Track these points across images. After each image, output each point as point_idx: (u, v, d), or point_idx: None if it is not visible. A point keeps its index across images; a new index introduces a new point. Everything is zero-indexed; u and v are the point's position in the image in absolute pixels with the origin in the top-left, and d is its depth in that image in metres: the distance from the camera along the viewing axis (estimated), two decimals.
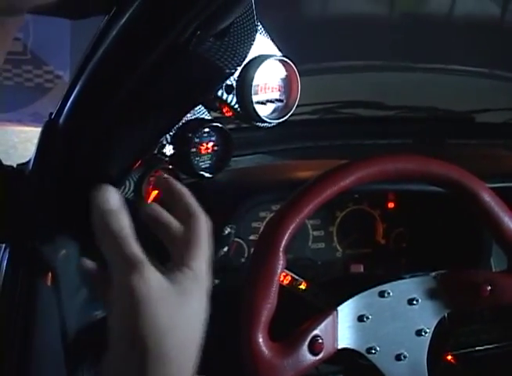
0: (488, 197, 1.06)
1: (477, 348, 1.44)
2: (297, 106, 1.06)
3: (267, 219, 1.30)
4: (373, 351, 1.05)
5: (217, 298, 1.19)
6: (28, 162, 1.19)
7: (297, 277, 1.06)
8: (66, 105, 0.99)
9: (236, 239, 1.30)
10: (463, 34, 2.26)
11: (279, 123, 1.01)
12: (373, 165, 1.04)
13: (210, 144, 1.14)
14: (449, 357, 1.40)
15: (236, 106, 0.95)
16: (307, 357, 0.98)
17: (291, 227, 0.98)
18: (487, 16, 2.38)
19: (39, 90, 3.59)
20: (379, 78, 2.11)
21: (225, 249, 1.18)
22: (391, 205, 1.45)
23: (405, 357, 1.06)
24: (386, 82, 2.09)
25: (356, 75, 2.16)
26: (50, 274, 1.17)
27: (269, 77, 0.95)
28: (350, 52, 2.16)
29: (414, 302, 1.07)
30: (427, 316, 1.08)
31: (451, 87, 2.11)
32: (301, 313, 1.03)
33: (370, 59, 2.14)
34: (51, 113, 1.06)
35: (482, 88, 2.15)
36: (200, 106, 1.08)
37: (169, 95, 0.81)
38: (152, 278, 0.62)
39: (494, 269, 1.35)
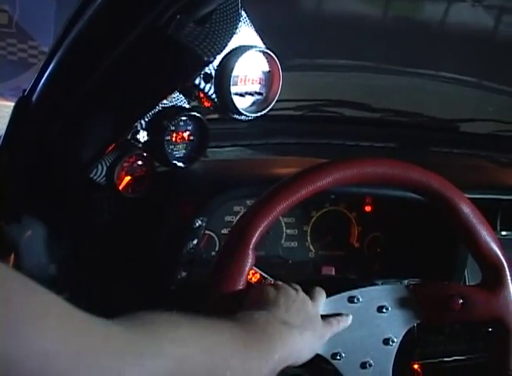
0: (466, 209, 1.04)
1: (444, 358, 1.42)
2: (281, 101, 1.04)
3: (240, 214, 1.27)
4: (338, 357, 1.02)
5: (184, 290, 1.18)
6: None
7: (265, 276, 1.04)
8: (40, 82, 0.96)
9: (208, 232, 1.27)
10: (455, 43, 2.25)
11: (257, 117, 0.99)
12: (353, 168, 1.01)
13: (186, 133, 1.12)
14: (416, 366, 1.38)
15: (214, 96, 0.92)
16: None
17: (263, 224, 0.96)
18: (480, 26, 2.36)
19: (22, 65, 3.55)
20: (366, 79, 2.09)
21: (195, 241, 1.15)
22: (368, 209, 1.43)
23: (370, 365, 1.03)
24: (373, 84, 2.07)
25: (343, 75, 2.14)
26: (13, 255, 1.14)
27: (250, 68, 0.92)
28: (339, 51, 2.14)
29: (384, 310, 1.05)
30: (396, 326, 1.06)
31: (438, 94, 2.10)
32: None
33: (358, 60, 2.12)
34: (24, 90, 1.03)
35: (469, 98, 2.13)
36: (179, 94, 1.05)
37: (145, 78, 0.78)
38: None
39: (468, 282, 1.33)
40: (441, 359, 1.41)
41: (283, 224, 1.37)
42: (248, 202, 1.29)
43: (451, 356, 1.42)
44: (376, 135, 1.68)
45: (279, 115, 1.61)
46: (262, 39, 0.91)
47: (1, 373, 0.47)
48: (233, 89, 0.91)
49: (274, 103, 0.96)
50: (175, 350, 0.65)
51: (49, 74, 0.90)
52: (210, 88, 0.91)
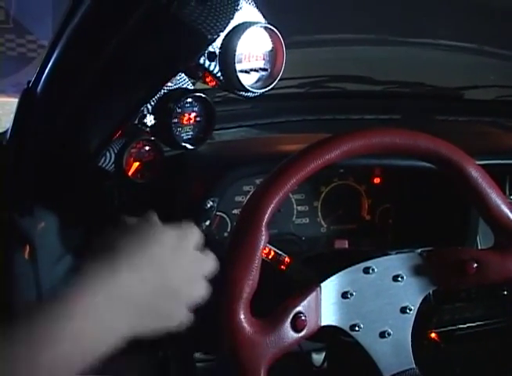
0: (476, 173, 1.04)
1: (460, 326, 1.43)
2: (283, 79, 1.04)
3: (250, 193, 1.27)
4: (357, 328, 1.03)
5: None
6: (6, 132, 1.16)
7: (280, 252, 1.04)
8: (43, 72, 0.96)
9: (219, 213, 1.28)
10: (453, 9, 2.23)
11: (263, 94, 0.99)
12: (359, 139, 1.00)
13: (193, 115, 1.12)
14: (433, 335, 1.39)
15: (219, 74, 0.93)
16: (289, 334, 0.96)
17: (274, 201, 0.95)
18: None
19: (22, 60, 3.55)
20: (366, 53, 2.08)
21: (207, 223, 1.16)
22: (376, 180, 1.43)
23: (389, 334, 1.04)
24: (373, 57, 2.07)
25: (343, 49, 2.13)
26: (28, 247, 1.15)
27: (254, 45, 0.92)
28: (337, 26, 2.13)
29: (399, 279, 1.05)
30: (412, 294, 1.06)
31: (439, 63, 2.09)
32: (284, 289, 1.01)
33: (357, 33, 2.11)
34: (28, 82, 1.03)
35: (471, 65, 2.12)
36: (183, 75, 1.05)
37: (149, 61, 0.79)
38: None
39: (481, 247, 1.34)
40: (458, 326, 1.42)
41: (294, 201, 1.38)
42: (257, 181, 1.29)
43: (468, 323, 1.43)
44: (380, 108, 1.67)
45: (283, 93, 1.61)
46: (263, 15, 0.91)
47: None
48: (238, 66, 0.91)
49: (279, 78, 0.96)
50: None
51: (53, 62, 0.90)
52: (215, 66, 0.91)
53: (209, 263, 0.90)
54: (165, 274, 0.80)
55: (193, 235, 0.90)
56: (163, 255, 0.81)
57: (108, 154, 1.11)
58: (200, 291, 0.87)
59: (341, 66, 1.94)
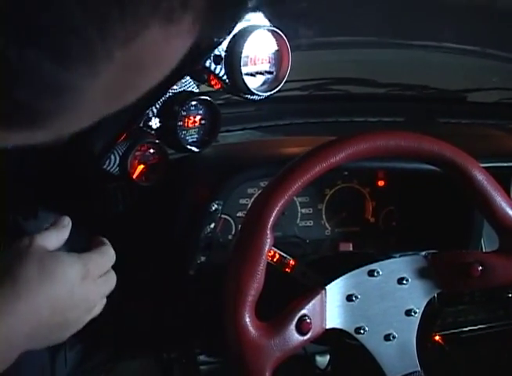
0: (480, 176, 1.04)
1: (464, 329, 1.43)
2: (288, 82, 1.04)
3: (255, 196, 1.27)
4: (362, 331, 1.03)
5: (203, 275, 1.18)
6: None
7: (285, 255, 1.04)
8: None
9: (224, 215, 1.28)
10: (455, 12, 2.23)
11: (268, 97, 0.99)
12: (364, 141, 1.01)
13: (198, 117, 1.12)
14: (437, 338, 1.39)
15: (225, 77, 0.92)
16: (294, 337, 0.96)
17: (279, 204, 0.95)
18: None
19: None
20: (369, 55, 2.08)
21: (212, 225, 1.16)
22: (380, 183, 1.43)
23: (394, 337, 1.04)
24: (376, 60, 2.06)
25: (346, 51, 2.13)
26: None
27: (259, 48, 0.92)
28: (340, 28, 2.12)
29: (404, 282, 1.05)
30: (417, 296, 1.06)
31: (442, 65, 2.09)
32: (289, 292, 1.01)
33: (360, 36, 2.11)
34: None
35: (474, 67, 2.12)
36: (188, 78, 1.05)
37: None
38: None
39: (485, 250, 1.34)
40: (462, 329, 1.42)
41: (298, 204, 1.38)
42: (262, 184, 1.29)
43: (472, 326, 1.43)
44: (383, 110, 1.67)
45: (286, 96, 1.61)
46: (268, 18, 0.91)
47: None
48: (244, 69, 0.91)
49: (284, 81, 0.96)
50: None
51: None
52: (220, 69, 0.91)
53: (110, 285, 0.88)
54: (62, 311, 0.79)
55: (100, 260, 0.87)
56: (63, 293, 0.78)
57: (113, 157, 1.11)
58: (97, 311, 0.87)
59: (345, 69, 1.94)
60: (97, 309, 0.86)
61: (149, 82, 0.35)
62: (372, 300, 1.04)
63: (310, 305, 0.98)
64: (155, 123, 1.06)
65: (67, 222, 0.90)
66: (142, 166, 1.15)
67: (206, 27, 0.33)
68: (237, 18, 0.37)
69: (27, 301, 0.73)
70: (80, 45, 0.29)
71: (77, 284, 0.80)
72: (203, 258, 1.17)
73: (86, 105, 0.32)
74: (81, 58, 0.29)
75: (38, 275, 0.76)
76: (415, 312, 1.05)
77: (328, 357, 1.42)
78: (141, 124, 1.07)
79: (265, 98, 0.99)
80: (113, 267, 1.10)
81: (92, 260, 0.85)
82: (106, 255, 0.89)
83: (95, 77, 0.30)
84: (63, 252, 0.83)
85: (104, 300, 0.87)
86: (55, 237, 0.86)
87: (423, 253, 1.08)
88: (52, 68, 0.29)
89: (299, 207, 1.38)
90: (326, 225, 1.41)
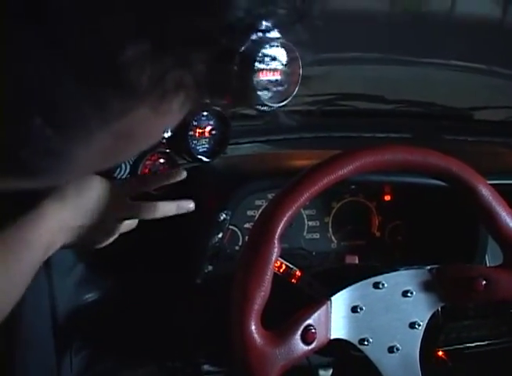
0: (486, 192, 1.05)
1: (467, 344, 1.43)
2: (296, 96, 1.04)
3: (262, 208, 1.28)
4: (366, 342, 1.03)
5: (209, 284, 1.19)
6: None
7: (291, 266, 1.05)
8: None
9: (231, 227, 1.29)
10: (463, 31, 2.25)
11: (277, 108, 0.99)
12: (372, 155, 1.02)
13: (208, 128, 1.13)
14: (440, 353, 1.39)
15: (235, 88, 0.93)
16: (299, 346, 0.97)
17: (287, 215, 0.96)
18: (487, 14, 2.37)
19: None
20: (377, 72, 2.10)
21: (220, 235, 1.17)
22: (387, 198, 1.44)
23: (397, 349, 1.04)
24: (384, 76, 2.08)
25: (354, 67, 2.14)
26: None
27: (271, 60, 0.92)
28: (349, 44, 2.14)
29: (408, 294, 1.06)
30: (421, 309, 1.07)
31: (449, 83, 2.10)
32: (295, 302, 1.02)
33: (369, 52, 2.13)
34: None
35: (481, 85, 2.14)
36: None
37: None
38: None
39: (489, 265, 1.34)
40: (465, 345, 1.42)
41: (305, 216, 1.39)
42: (269, 195, 1.30)
43: (475, 342, 1.43)
44: (391, 126, 1.68)
45: (295, 110, 1.61)
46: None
47: None
48: (255, 81, 0.91)
49: (294, 93, 0.97)
50: None
51: None
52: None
53: (140, 209, 1.01)
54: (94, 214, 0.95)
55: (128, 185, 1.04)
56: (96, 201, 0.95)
57: (123, 165, 1.12)
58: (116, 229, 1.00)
59: (353, 85, 1.95)
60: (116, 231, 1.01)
61: (138, 149, 0.39)
62: (376, 312, 1.04)
63: (315, 315, 0.99)
64: (166, 132, 1.07)
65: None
66: None
67: (196, 104, 0.36)
68: (226, 91, 0.40)
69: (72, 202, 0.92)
70: (78, 118, 0.32)
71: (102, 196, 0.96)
72: (210, 268, 1.18)
73: (80, 166, 0.37)
74: (78, 126, 0.33)
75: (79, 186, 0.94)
76: (419, 325, 1.06)
77: (331, 371, 1.42)
78: None
79: (273, 110, 0.99)
80: (120, 275, 1.12)
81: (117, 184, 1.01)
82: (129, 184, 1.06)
83: (89, 145, 0.34)
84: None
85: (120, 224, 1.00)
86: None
87: (428, 267, 1.08)
88: (53, 135, 0.32)
89: (306, 220, 1.39)
90: (332, 238, 1.42)
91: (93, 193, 0.95)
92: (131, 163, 1.12)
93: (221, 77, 0.38)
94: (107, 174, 1.11)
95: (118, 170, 1.12)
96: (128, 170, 1.13)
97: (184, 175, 1.05)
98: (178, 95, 0.35)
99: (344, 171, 0.99)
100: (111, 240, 1.00)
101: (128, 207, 0.99)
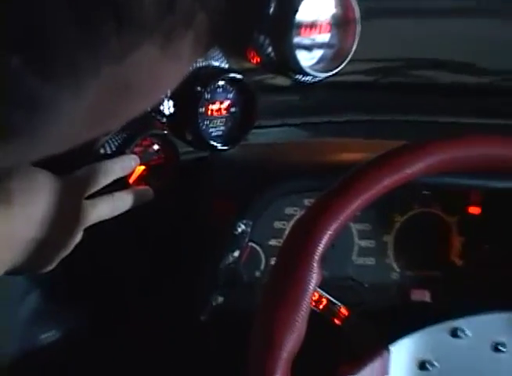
0: None
1: None
2: (351, 61, 1.03)
3: (296, 218, 1.24)
4: None
5: (219, 322, 1.20)
6: None
7: (334, 301, 1.06)
8: None
9: (251, 243, 1.27)
10: None
11: (324, 79, 0.98)
12: (455, 148, 1.00)
13: (226, 103, 1.10)
14: None
15: (269, 48, 0.90)
16: None
17: (331, 229, 0.95)
18: None
19: None
20: (467, 28, 2.06)
21: (236, 254, 1.18)
22: (474, 210, 1.42)
23: None
24: (477, 35, 2.04)
25: (434, 22, 2.11)
26: None
27: (318, 11, 0.91)
28: None
29: (502, 349, 1.07)
30: None
31: None
32: (338, 351, 1.03)
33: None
34: None
35: None
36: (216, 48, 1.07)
37: None
38: None
39: None
40: None
41: (355, 232, 1.38)
42: (306, 201, 1.30)
43: None
44: (485, 109, 1.67)
45: (345, 82, 1.62)
46: None
47: None
48: (296, 39, 0.89)
49: (349, 59, 0.96)
50: None
51: None
52: (263, 37, 0.90)
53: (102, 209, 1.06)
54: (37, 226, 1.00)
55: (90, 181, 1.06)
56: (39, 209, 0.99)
57: (103, 150, 1.11)
58: (76, 239, 1.05)
59: (430, 47, 1.93)
60: (76, 237, 1.06)
61: (133, 110, 0.42)
62: (455, 371, 1.06)
63: (367, 370, 1.00)
64: (168, 107, 1.05)
65: None
66: (142, 167, 1.16)
67: (207, 52, 0.39)
68: (247, 41, 0.42)
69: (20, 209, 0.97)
70: (66, 53, 0.34)
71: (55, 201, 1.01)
72: (220, 300, 1.19)
73: (61, 126, 0.38)
74: (65, 68, 0.34)
75: (28, 187, 0.99)
76: None
77: None
78: (148, 108, 1.07)
79: (319, 81, 0.98)
80: (91, 306, 1.18)
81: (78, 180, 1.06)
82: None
83: (76, 93, 0.36)
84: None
85: (81, 232, 1.06)
86: None
87: None
88: (33, 79, 0.34)
89: (356, 238, 1.38)
90: (394, 265, 1.41)
91: (44, 197, 1.00)
92: (113, 149, 1.10)
93: (244, 22, 0.40)
94: (79, 163, 1.14)
95: (96, 157, 1.12)
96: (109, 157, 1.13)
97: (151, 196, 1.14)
98: (187, 34, 0.36)
99: (413, 169, 0.98)
100: (63, 256, 1.05)
101: (85, 211, 1.05)
